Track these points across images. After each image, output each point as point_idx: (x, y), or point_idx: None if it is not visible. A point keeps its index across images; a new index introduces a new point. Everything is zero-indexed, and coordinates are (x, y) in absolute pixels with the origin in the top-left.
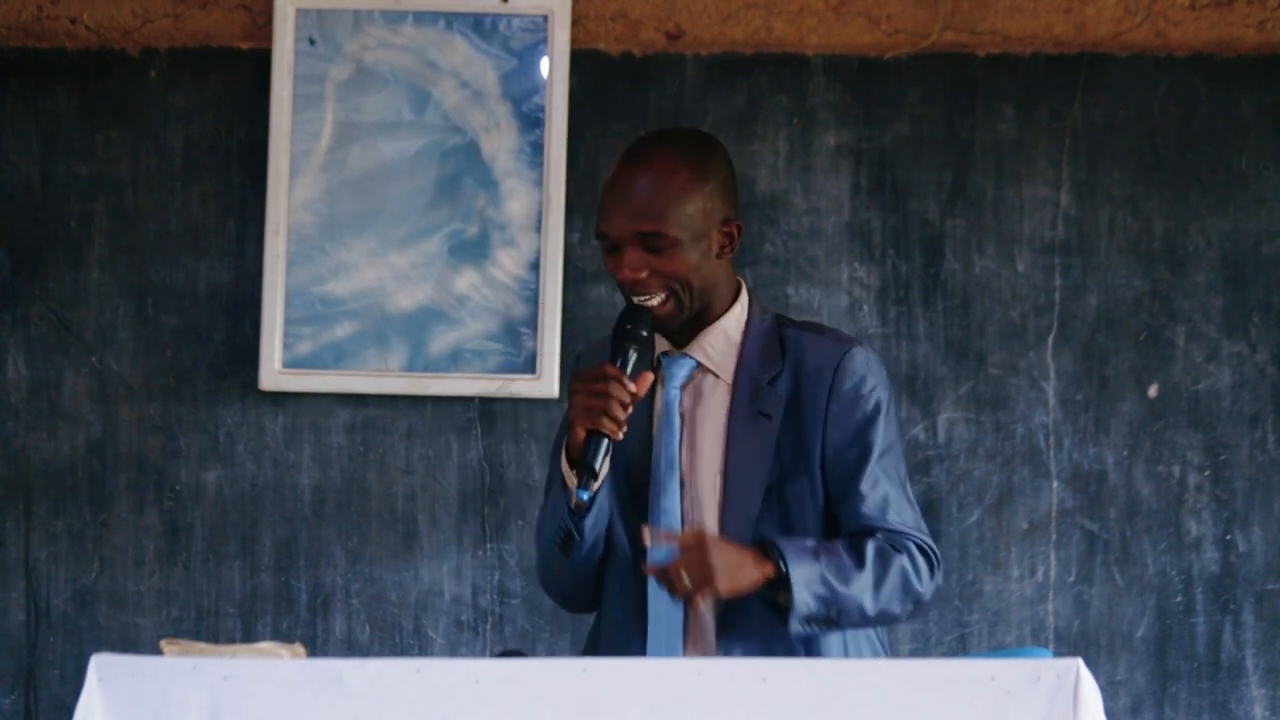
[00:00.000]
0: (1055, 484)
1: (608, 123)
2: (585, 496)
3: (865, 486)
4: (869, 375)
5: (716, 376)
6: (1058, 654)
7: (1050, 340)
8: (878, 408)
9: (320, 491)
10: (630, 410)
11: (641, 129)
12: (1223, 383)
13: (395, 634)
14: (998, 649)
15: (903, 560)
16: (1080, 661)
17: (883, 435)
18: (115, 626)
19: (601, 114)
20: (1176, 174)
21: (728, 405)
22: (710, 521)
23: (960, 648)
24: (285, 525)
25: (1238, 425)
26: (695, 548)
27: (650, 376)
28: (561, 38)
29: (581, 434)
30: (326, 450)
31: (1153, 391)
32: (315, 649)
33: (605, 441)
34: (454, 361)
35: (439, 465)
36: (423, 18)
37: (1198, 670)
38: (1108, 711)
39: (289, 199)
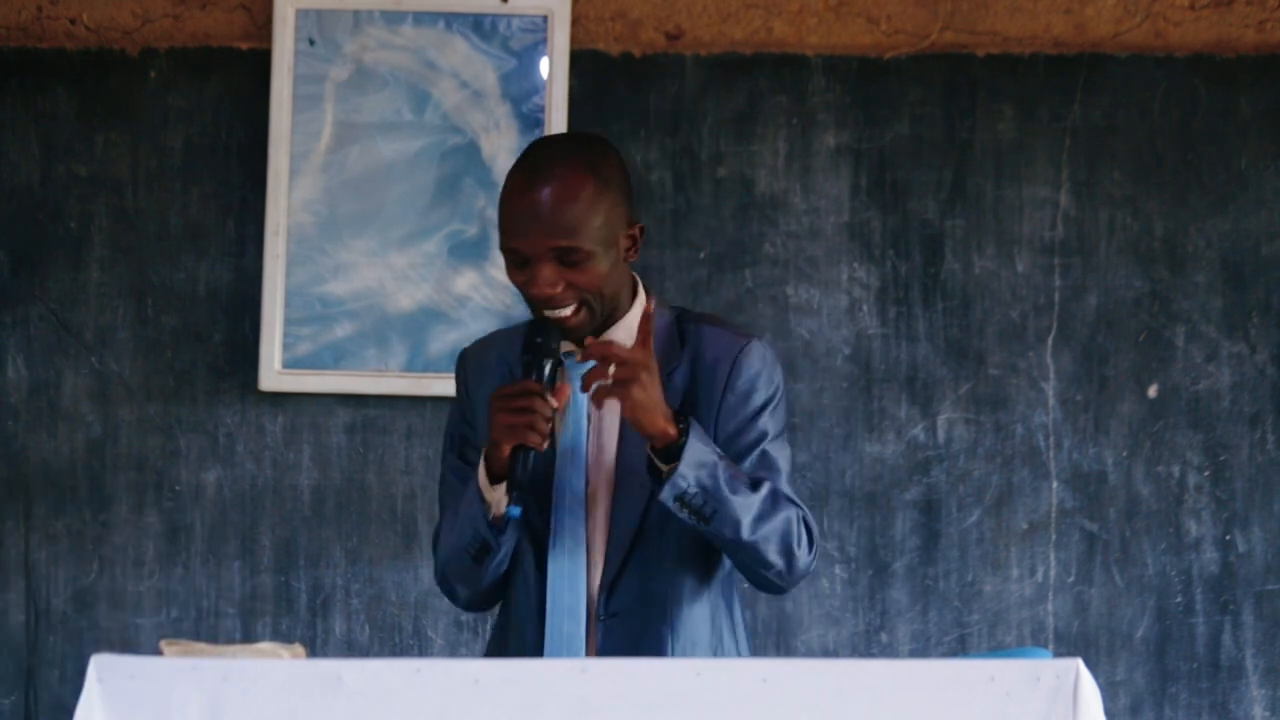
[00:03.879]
0: (1055, 484)
1: (608, 123)
2: (518, 513)
3: (757, 459)
4: (764, 370)
5: None
6: (1057, 654)
7: (1050, 340)
8: (769, 400)
9: (320, 492)
10: (551, 423)
11: (641, 129)
12: (1222, 383)
13: (395, 634)
14: (997, 649)
15: (791, 513)
16: (1080, 662)
17: (773, 427)
18: (115, 627)
19: (601, 114)
20: (1176, 174)
21: None
22: (604, 509)
23: (960, 648)
24: (285, 525)
25: (1237, 425)
26: (636, 361)
27: (568, 389)
28: (561, 38)
29: (507, 450)
30: (326, 450)
31: (1152, 392)
32: (315, 649)
33: (530, 455)
34: (453, 362)
35: (438, 466)
36: (422, 18)
37: (1197, 670)
38: (1107, 712)
39: (289, 199)
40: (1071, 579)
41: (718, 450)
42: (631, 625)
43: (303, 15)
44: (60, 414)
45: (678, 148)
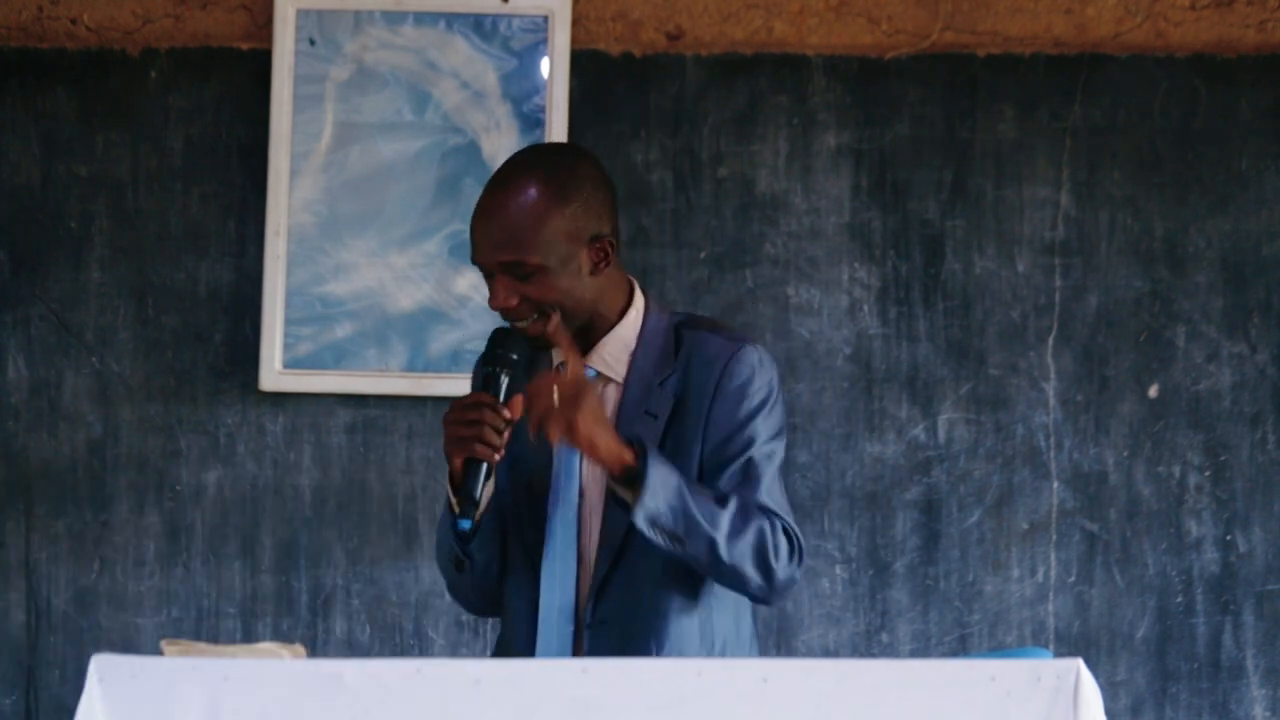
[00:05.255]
0: (1055, 484)
1: (608, 123)
2: (468, 526)
3: (739, 469)
4: (756, 375)
5: (618, 383)
6: (1058, 654)
7: (1050, 340)
8: (761, 405)
9: (320, 492)
10: (506, 433)
11: (642, 129)
12: (1223, 383)
13: (395, 634)
14: (998, 649)
15: (763, 524)
16: (1081, 662)
17: (763, 431)
18: (115, 627)
19: (601, 114)
20: (1176, 174)
21: (616, 407)
22: (597, 521)
23: (960, 648)
24: (285, 525)
25: (1238, 425)
26: (574, 386)
27: (521, 400)
28: (562, 38)
29: (459, 464)
30: (327, 450)
31: (1153, 392)
32: (315, 649)
33: (484, 467)
34: (454, 362)
35: (439, 465)
36: (423, 18)
37: (1198, 671)
38: (1108, 712)
39: (289, 199)
40: (1072, 579)
41: (677, 470)
42: (617, 635)
43: (303, 15)
44: (61, 414)
45: (678, 148)
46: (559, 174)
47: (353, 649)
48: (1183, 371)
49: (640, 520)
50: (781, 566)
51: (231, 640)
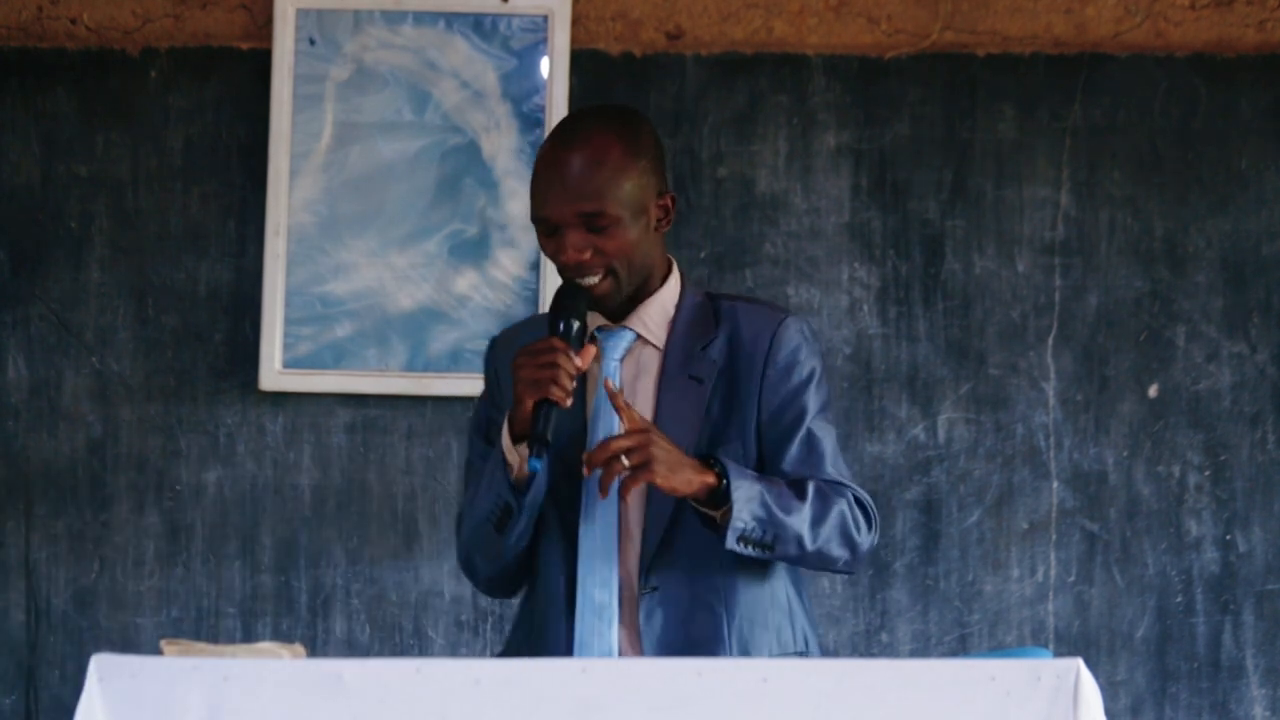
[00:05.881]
0: (1055, 484)
1: None
2: (539, 466)
3: (801, 443)
4: (804, 344)
5: (656, 348)
6: (1058, 654)
7: (1050, 340)
8: (812, 374)
9: (320, 491)
10: (575, 381)
11: None
12: (1223, 383)
13: (395, 634)
14: (998, 649)
15: (842, 505)
16: (1080, 662)
17: (816, 400)
18: (115, 626)
19: None
20: (1176, 174)
21: (658, 370)
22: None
23: (960, 648)
24: (285, 525)
25: (1238, 425)
26: (640, 433)
27: (593, 349)
28: (561, 38)
29: (530, 406)
30: (326, 450)
31: (1153, 391)
32: (315, 649)
33: (555, 410)
34: (454, 361)
35: (439, 465)
36: (423, 18)
37: (1198, 670)
38: (1108, 712)
39: (289, 199)
40: (1072, 579)
41: (755, 475)
42: (680, 601)
43: (303, 15)
44: (61, 414)
45: (678, 148)
46: (629, 130)
47: (353, 649)
48: (1183, 371)
49: (731, 541)
50: (864, 538)
51: (231, 640)
